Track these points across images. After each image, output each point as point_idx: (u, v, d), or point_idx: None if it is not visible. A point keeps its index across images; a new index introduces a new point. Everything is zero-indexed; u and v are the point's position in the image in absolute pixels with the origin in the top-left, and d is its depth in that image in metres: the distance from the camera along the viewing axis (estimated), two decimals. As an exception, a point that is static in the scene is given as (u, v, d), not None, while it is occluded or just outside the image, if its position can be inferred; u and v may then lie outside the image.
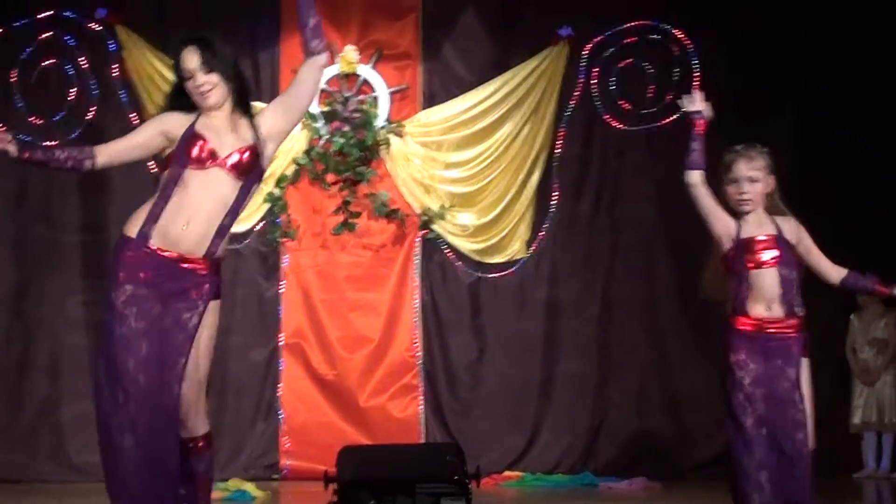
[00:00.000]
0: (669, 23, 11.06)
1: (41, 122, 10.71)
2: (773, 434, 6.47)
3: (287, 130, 6.28)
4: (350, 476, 5.67)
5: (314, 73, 6.32)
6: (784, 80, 11.09)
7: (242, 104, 6.14)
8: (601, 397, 11.10)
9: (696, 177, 6.50)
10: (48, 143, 10.18)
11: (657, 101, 10.99)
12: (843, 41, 10.94)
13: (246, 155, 6.03)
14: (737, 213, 6.58)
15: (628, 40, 11.10)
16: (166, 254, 5.98)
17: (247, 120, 6.13)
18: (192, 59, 6.01)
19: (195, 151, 5.96)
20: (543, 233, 11.15)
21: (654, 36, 11.08)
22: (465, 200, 11.13)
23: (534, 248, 11.16)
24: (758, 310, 6.50)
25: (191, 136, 5.98)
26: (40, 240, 10.93)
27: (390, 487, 5.61)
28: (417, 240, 11.14)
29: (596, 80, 11.11)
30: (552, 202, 11.15)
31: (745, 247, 6.51)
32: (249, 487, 9.74)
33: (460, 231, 11.12)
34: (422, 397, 11.04)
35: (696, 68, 11.00)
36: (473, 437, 10.47)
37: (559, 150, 11.14)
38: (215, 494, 9.42)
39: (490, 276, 11.16)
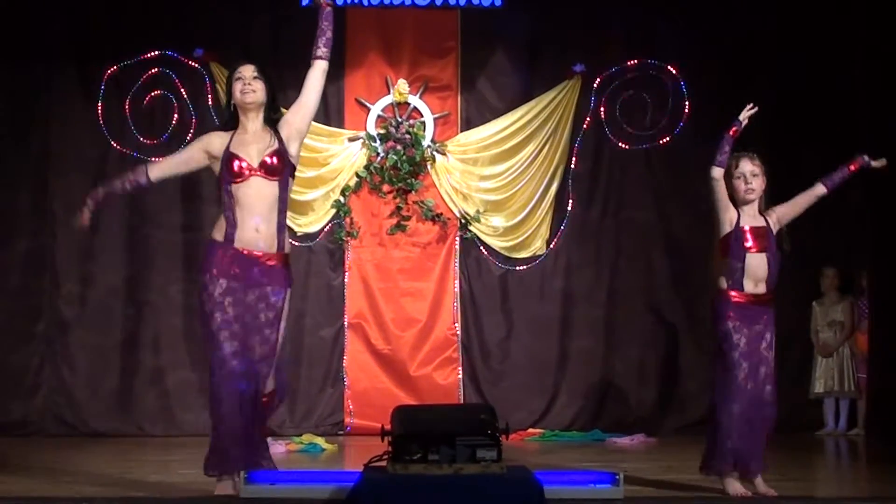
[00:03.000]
0: (664, 61, 11.06)
1: (151, 142, 10.79)
2: (756, 388, 6.62)
3: (304, 127, 6.51)
4: (402, 431, 5.69)
5: (319, 75, 6.48)
6: (756, 104, 11.01)
7: (270, 119, 6.43)
8: (608, 368, 11.10)
9: (719, 172, 6.71)
10: (156, 158, 10.38)
11: (654, 125, 11.03)
12: (803, 68, 10.95)
13: (274, 159, 6.32)
14: (737, 205, 6.73)
15: (630, 75, 11.11)
16: (247, 253, 6.25)
17: (272, 130, 6.39)
18: (248, 68, 6.44)
19: (234, 168, 6.28)
20: (560, 233, 11.16)
21: (652, 71, 11.09)
22: (496, 206, 11.14)
23: (552, 246, 11.16)
24: (749, 286, 6.69)
25: (228, 157, 6.30)
26: (147, 239, 11.00)
27: (435, 440, 5.63)
28: (457, 239, 11.15)
29: (604, 108, 11.11)
30: (568, 208, 11.15)
31: (743, 234, 6.68)
32: (320, 441, 9.80)
33: (492, 232, 11.13)
34: (460, 368, 11.06)
35: (686, 97, 11.01)
36: (503, 400, 10.45)
37: (574, 166, 11.14)
38: (292, 447, 9.58)
39: (516, 269, 11.17)
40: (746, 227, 6.72)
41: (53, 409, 10.75)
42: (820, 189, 6.98)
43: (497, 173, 11.14)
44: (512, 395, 10.89)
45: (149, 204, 10.94)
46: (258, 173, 6.30)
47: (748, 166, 6.77)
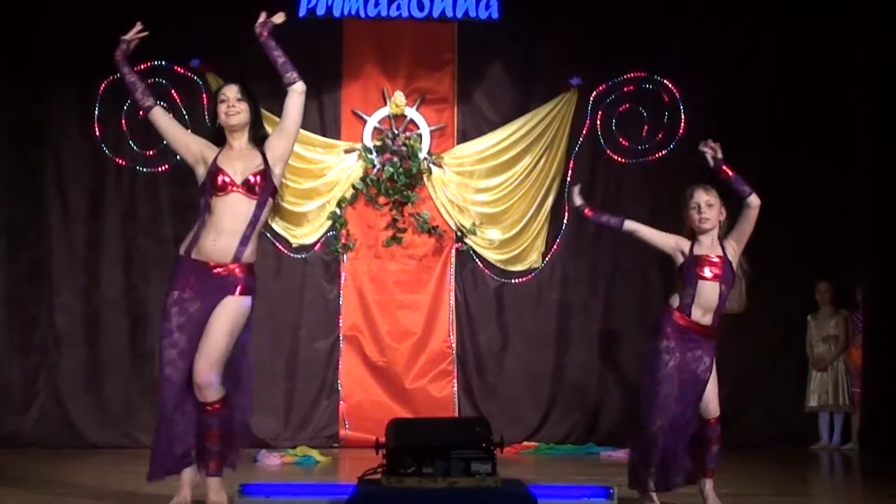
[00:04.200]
0: (660, 75, 11.09)
1: (147, 153, 10.80)
2: (684, 407, 6.65)
3: (287, 151, 6.63)
4: (396, 444, 5.69)
5: (295, 99, 6.60)
6: (749, 120, 11.10)
7: (256, 138, 6.58)
8: (602, 382, 11.10)
9: (630, 223, 7.03)
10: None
11: (650, 139, 11.05)
12: (798, 87, 10.97)
13: (257, 177, 6.45)
14: (693, 234, 6.83)
15: (627, 89, 11.13)
16: (201, 261, 6.39)
17: (258, 150, 6.53)
18: (232, 88, 6.60)
19: (218, 182, 6.42)
20: (556, 246, 11.17)
21: (648, 85, 11.11)
22: (492, 219, 11.15)
23: (548, 258, 11.17)
24: (696, 313, 6.74)
25: (214, 171, 6.45)
26: (143, 251, 10.99)
27: (430, 453, 5.63)
28: (453, 251, 11.16)
29: (600, 122, 11.13)
30: (564, 221, 11.16)
31: (696, 262, 6.75)
32: (314, 453, 9.81)
33: (488, 244, 11.13)
34: (455, 380, 11.05)
35: (682, 111, 11.03)
36: (498, 413, 10.46)
37: (569, 179, 11.14)
38: (286, 459, 9.58)
39: (512, 281, 11.18)
40: (703, 256, 6.78)
41: (48, 421, 10.73)
42: (753, 201, 6.82)
43: (493, 186, 11.15)
44: (507, 408, 10.89)
45: (144, 216, 10.96)
46: (239, 190, 6.44)
47: (703, 196, 6.83)
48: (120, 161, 10.91)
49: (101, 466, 8.94)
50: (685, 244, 6.84)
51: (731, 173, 6.77)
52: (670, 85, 11.07)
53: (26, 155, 10.90)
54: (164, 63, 10.85)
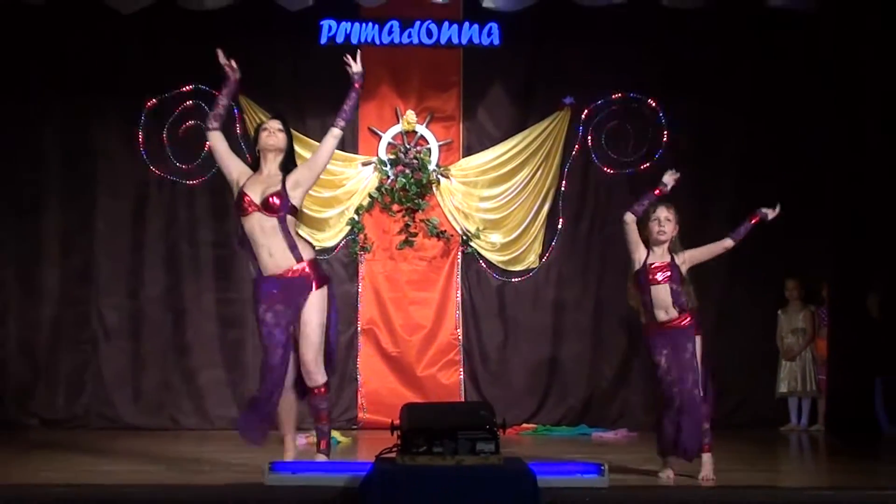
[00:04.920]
0: (644, 94, 11.08)
1: (185, 167, 10.81)
2: (679, 393, 6.98)
3: (308, 180, 6.99)
4: (410, 426, 5.70)
5: (331, 142, 7.06)
6: (724, 135, 11.10)
7: (285, 167, 6.95)
8: (594, 370, 11.08)
9: (631, 218, 7.23)
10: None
11: (635, 152, 11.04)
12: (769, 101, 10.96)
13: (275, 199, 6.79)
14: (649, 245, 7.20)
15: (615, 107, 11.11)
16: (276, 275, 6.77)
17: (283, 176, 6.88)
18: (275, 122, 7.06)
19: (242, 204, 6.82)
20: (552, 249, 11.15)
21: (634, 104, 11.10)
22: (494, 224, 11.14)
23: (545, 260, 11.15)
24: (661, 315, 7.09)
25: (240, 194, 6.87)
26: (183, 254, 10.99)
27: (439, 434, 5.64)
28: (459, 253, 11.13)
29: (591, 137, 11.11)
30: (559, 226, 11.14)
31: (648, 270, 7.12)
32: (336, 434, 9.71)
33: (490, 247, 11.12)
34: (462, 369, 11.03)
35: (664, 127, 11.02)
36: (500, 398, 10.43)
37: (564, 188, 11.13)
38: (310, 439, 9.55)
39: (512, 280, 11.16)
40: (654, 264, 7.11)
41: (96, 406, 10.73)
42: (728, 242, 7.35)
43: (495, 195, 11.14)
44: (508, 393, 10.87)
45: (183, 223, 10.96)
46: (259, 210, 6.77)
47: (664, 213, 7.15)
48: (161, 173, 10.91)
49: (142, 447, 8.95)
50: (643, 254, 7.15)
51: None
52: (653, 103, 11.05)
53: (77, 166, 10.90)
54: (200, 86, 10.84)
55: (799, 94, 10.92)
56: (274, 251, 6.75)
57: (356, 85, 7.14)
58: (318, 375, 6.85)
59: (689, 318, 7.06)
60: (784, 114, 10.95)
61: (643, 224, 7.18)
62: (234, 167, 7.01)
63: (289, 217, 6.80)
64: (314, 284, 6.78)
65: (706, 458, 7.08)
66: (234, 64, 7.14)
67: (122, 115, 10.94)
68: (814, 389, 10.91)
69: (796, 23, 10.21)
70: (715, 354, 9.65)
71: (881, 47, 10.05)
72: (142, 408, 10.76)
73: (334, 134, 7.02)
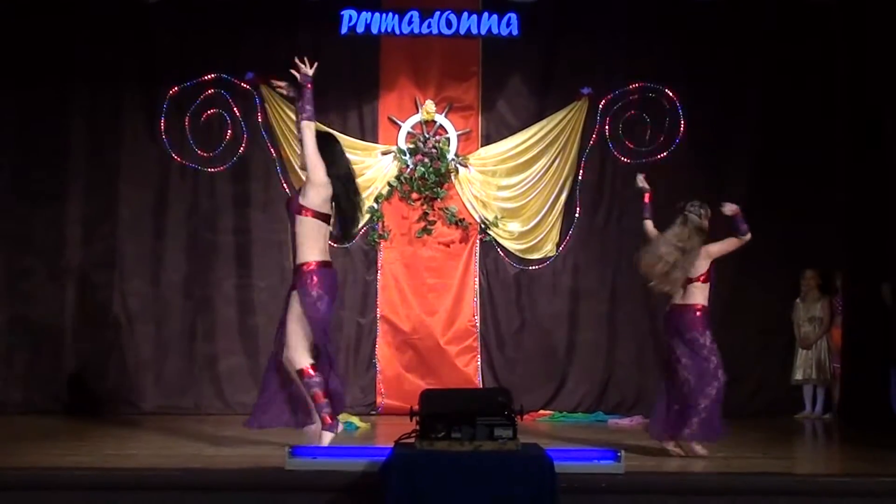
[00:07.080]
0: (661, 84, 11.04)
1: (207, 155, 10.83)
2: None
3: (307, 178, 7.35)
4: (428, 411, 5.71)
5: (307, 133, 7.34)
6: (740, 125, 11.06)
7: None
8: (610, 358, 11.08)
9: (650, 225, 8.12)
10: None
11: (652, 142, 11.01)
12: (783, 93, 10.93)
13: (289, 201, 7.55)
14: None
15: (632, 97, 11.08)
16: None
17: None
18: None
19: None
20: (569, 238, 11.14)
21: (651, 94, 11.06)
22: (512, 213, 11.13)
23: (562, 248, 11.14)
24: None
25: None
26: (204, 241, 11.01)
27: (458, 420, 5.65)
28: (477, 241, 11.14)
29: (608, 127, 11.09)
30: (576, 215, 11.13)
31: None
32: (355, 419, 9.79)
33: (508, 235, 11.12)
34: (479, 356, 11.04)
35: (681, 117, 10.99)
36: (517, 384, 10.40)
37: (581, 177, 11.12)
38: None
39: (530, 268, 11.15)
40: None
41: (120, 389, 10.76)
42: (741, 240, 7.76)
43: (513, 184, 11.13)
44: (525, 380, 10.86)
45: (204, 210, 10.99)
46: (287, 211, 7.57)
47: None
48: (183, 161, 10.94)
49: (165, 431, 8.99)
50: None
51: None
52: (671, 93, 11.02)
53: (101, 155, 10.93)
54: (222, 76, 10.87)
55: (814, 82, 10.88)
56: (289, 249, 7.69)
57: (308, 86, 7.36)
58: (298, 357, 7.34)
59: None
60: (799, 103, 10.89)
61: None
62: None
63: (296, 219, 7.31)
64: (303, 284, 7.38)
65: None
66: (307, 69, 7.46)
67: (145, 103, 10.97)
68: (828, 378, 10.88)
69: (812, 13, 10.16)
70: (732, 342, 9.71)
71: (894, 34, 9.98)
72: (163, 392, 10.80)
73: (305, 125, 7.30)
